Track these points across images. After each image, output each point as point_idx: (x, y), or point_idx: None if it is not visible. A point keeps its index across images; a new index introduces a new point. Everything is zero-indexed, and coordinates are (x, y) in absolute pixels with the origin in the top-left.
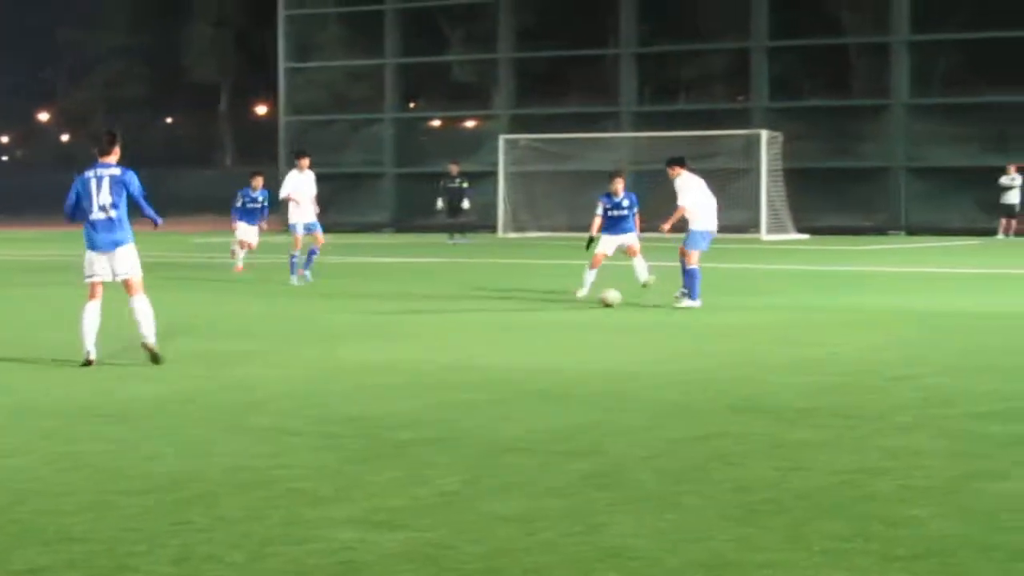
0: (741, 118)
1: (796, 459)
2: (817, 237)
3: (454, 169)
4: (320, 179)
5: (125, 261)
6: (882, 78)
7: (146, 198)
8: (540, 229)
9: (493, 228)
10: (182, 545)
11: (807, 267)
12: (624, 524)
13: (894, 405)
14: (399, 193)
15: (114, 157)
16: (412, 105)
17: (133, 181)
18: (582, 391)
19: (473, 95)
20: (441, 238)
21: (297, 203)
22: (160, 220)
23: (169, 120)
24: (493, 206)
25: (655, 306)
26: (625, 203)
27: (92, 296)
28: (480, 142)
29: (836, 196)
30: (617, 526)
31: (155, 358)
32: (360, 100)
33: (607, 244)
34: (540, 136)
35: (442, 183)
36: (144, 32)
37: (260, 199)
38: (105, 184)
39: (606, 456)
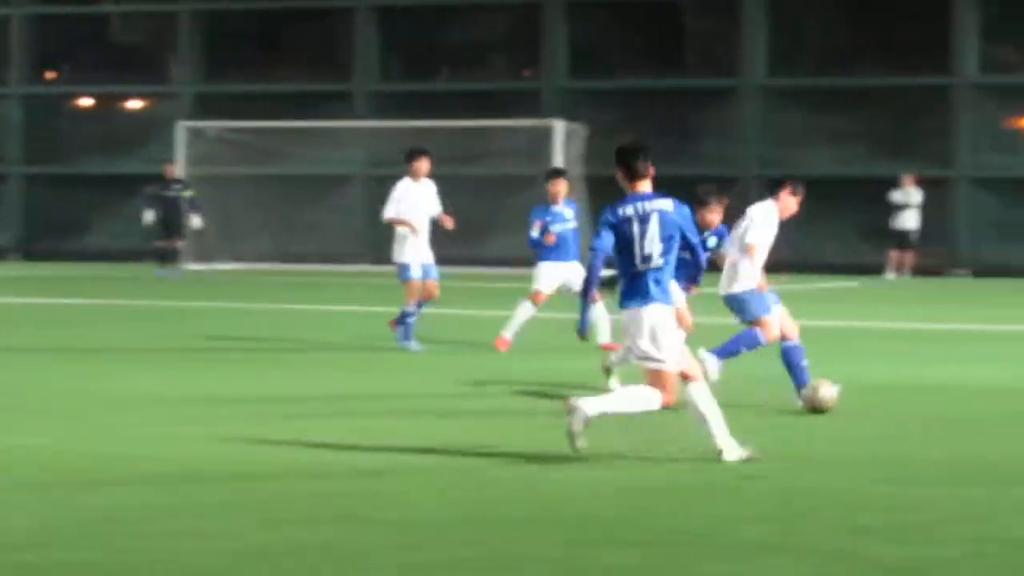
0: (528, 102)
1: None
2: None
3: (170, 171)
4: None
5: None
6: (729, 50)
7: None
8: (236, 259)
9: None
10: None
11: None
12: None
13: (741, 516)
14: (30, 203)
15: None
16: (50, 76)
17: None
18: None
19: (141, 63)
20: (100, 269)
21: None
22: None
23: None
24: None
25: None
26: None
27: None
28: (149, 131)
29: None
30: None
31: None
32: None
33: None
34: (237, 124)
35: (152, 190)
36: None
37: None
38: None
39: None
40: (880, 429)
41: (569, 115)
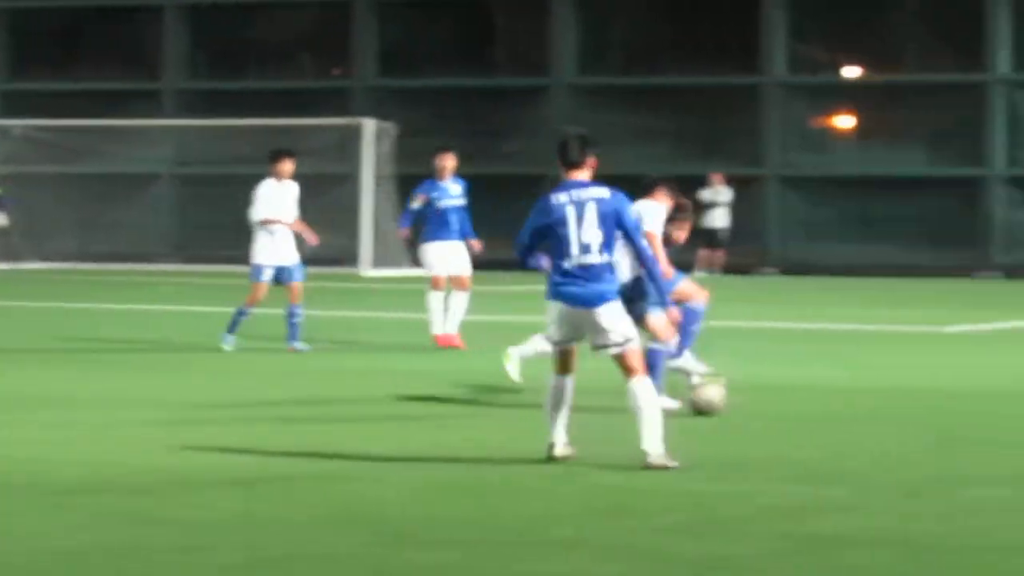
0: (338, 101)
1: None
2: None
3: None
4: None
5: None
6: (537, 49)
7: None
8: (43, 258)
9: None
10: None
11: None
12: None
13: (549, 515)
14: None
15: None
16: None
17: None
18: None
19: None
20: None
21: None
22: None
23: None
24: None
25: None
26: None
27: None
28: None
29: (476, 215)
30: None
31: None
32: None
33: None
34: (43, 122)
35: None
36: None
37: None
38: None
39: None
40: (694, 427)
41: (379, 114)
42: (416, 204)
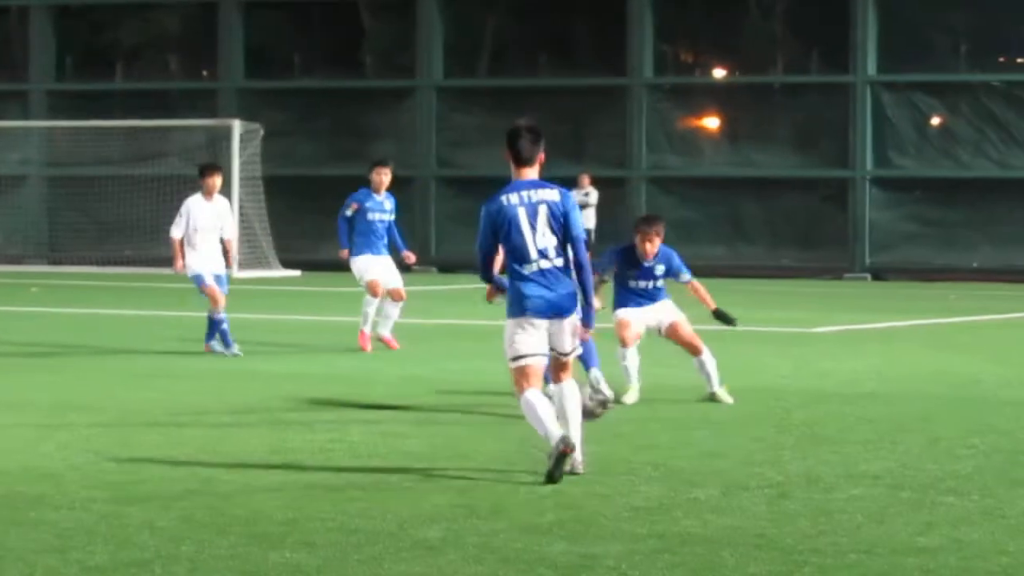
0: (206, 102)
1: None
2: (312, 275)
3: None
4: None
5: None
6: (405, 51)
7: None
8: None
9: None
10: None
11: (302, 317)
12: None
13: (419, 515)
14: None
15: None
16: None
17: None
18: None
19: None
20: None
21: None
22: None
23: None
24: None
25: None
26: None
27: None
28: None
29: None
30: None
31: None
32: None
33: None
34: None
35: None
36: None
37: None
38: None
39: None
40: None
41: (246, 115)
42: (349, 212)
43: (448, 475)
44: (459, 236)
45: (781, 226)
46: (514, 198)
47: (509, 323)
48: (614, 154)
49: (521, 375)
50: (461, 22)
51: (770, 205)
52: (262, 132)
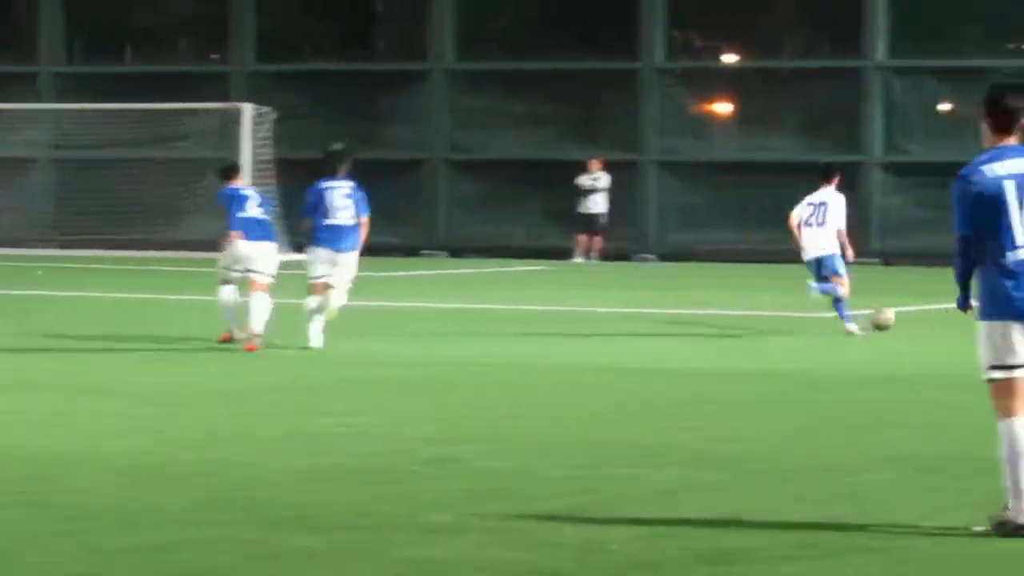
0: (217, 86)
1: None
2: None
3: None
4: None
5: None
6: (416, 34)
7: None
8: None
9: None
10: None
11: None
12: None
13: (429, 500)
14: None
15: None
16: None
17: None
18: None
19: None
20: None
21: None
22: None
23: None
24: None
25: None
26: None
27: None
28: None
29: None
30: None
31: None
32: None
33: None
34: None
35: None
36: None
37: None
38: None
39: None
40: (570, 412)
41: (258, 99)
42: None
43: (459, 460)
44: (470, 220)
45: (790, 211)
46: (999, 168)
47: (986, 326)
48: (624, 138)
49: (1006, 392)
50: (473, 5)
51: (780, 190)
52: (273, 116)
